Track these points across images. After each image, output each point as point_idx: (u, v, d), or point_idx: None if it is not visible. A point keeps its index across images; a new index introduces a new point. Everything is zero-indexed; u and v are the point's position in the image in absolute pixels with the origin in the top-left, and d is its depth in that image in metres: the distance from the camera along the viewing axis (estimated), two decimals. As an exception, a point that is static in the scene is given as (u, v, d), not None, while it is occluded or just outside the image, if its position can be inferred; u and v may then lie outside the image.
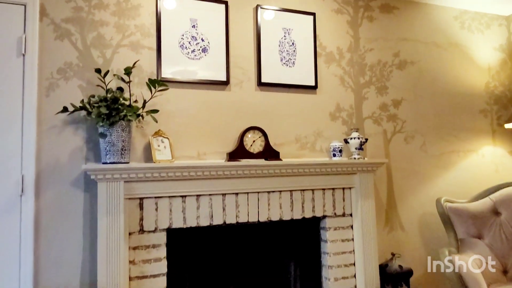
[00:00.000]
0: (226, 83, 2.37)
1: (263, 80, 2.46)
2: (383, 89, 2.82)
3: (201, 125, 2.31)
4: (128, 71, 2.01)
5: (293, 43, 2.56)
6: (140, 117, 2.04)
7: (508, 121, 2.83)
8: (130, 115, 1.91)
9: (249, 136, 2.30)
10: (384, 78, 2.83)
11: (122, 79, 2.09)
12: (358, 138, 2.49)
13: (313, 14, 2.61)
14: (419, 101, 2.91)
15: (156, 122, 2.05)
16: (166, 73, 2.24)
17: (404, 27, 2.91)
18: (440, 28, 3.04)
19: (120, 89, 2.02)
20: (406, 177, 2.82)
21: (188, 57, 2.30)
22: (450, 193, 2.90)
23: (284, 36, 2.54)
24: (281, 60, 2.52)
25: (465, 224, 2.32)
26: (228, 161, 2.20)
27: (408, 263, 2.65)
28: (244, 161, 2.20)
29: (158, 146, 2.11)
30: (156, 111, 2.06)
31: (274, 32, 2.52)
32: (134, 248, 2.00)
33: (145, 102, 2.04)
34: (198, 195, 2.15)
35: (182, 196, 2.12)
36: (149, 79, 2.04)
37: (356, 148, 2.51)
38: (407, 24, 2.93)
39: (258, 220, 2.27)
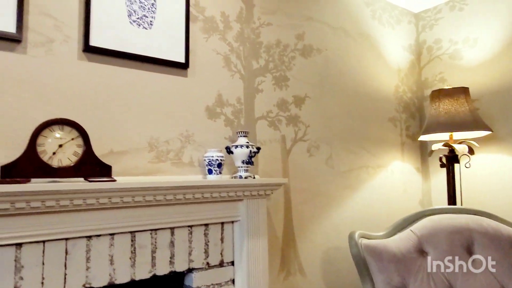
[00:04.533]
0: (17, 39, 1.29)
1: (94, 43, 1.45)
2: (282, 80, 2.06)
3: (-49, 111, 1.18)
4: None
5: (151, -8, 1.61)
6: None
7: (421, 133, 2.36)
8: None
9: (55, 133, 1.25)
10: (285, 66, 2.07)
11: None
12: (247, 147, 1.66)
13: (187, -45, 1.71)
14: (325, 101, 2.24)
15: None
16: None
17: (310, 2, 2.22)
18: (351, 13, 2.44)
19: None
20: (308, 200, 2.10)
21: None
22: (359, 221, 2.29)
23: (137, -22, 1.58)
24: (130, 15, 1.55)
25: (386, 270, 1.67)
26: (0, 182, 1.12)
27: (309, 322, 1.92)
28: (35, 184, 1.15)
29: None
30: None
31: (118, -32, 1.53)
32: None
33: None
34: None
35: None
36: None
37: (243, 162, 1.67)
38: (313, 0, 2.24)
39: (65, 291, 1.24)
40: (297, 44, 2.14)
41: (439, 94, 2.24)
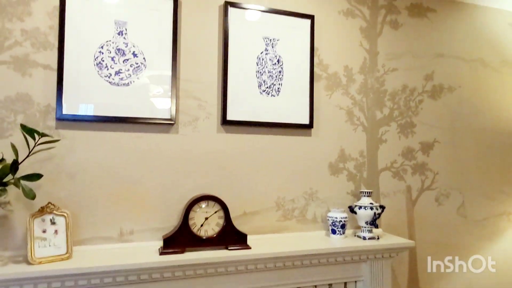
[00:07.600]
0: (171, 122, 1.53)
1: (230, 117, 1.62)
2: (408, 127, 1.96)
3: (126, 186, 1.48)
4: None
5: (278, 61, 1.71)
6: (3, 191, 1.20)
7: None
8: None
9: (202, 207, 1.46)
10: (411, 111, 1.97)
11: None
12: (371, 208, 1.66)
13: (311, 17, 1.75)
14: (457, 144, 2.06)
15: (32, 198, 1.22)
16: (71, 107, 1.41)
17: (441, 37, 2.05)
18: (491, 41, 2.16)
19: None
20: (437, 255, 1.98)
21: (110, 82, 1.47)
22: (501, 278, 2.07)
23: (266, 49, 1.69)
24: (260, 86, 1.68)
25: None
26: (163, 252, 1.37)
27: None
28: (186, 257, 1.37)
29: (44, 232, 1.29)
30: (37, 176, 1.24)
31: (250, 43, 1.67)
32: None
33: (15, 164, 1.20)
34: (110, 309, 1.33)
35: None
36: (23, 126, 1.20)
37: (367, 223, 1.67)
38: (445, 34, 2.06)
39: None
40: (426, 86, 2.00)
41: None
